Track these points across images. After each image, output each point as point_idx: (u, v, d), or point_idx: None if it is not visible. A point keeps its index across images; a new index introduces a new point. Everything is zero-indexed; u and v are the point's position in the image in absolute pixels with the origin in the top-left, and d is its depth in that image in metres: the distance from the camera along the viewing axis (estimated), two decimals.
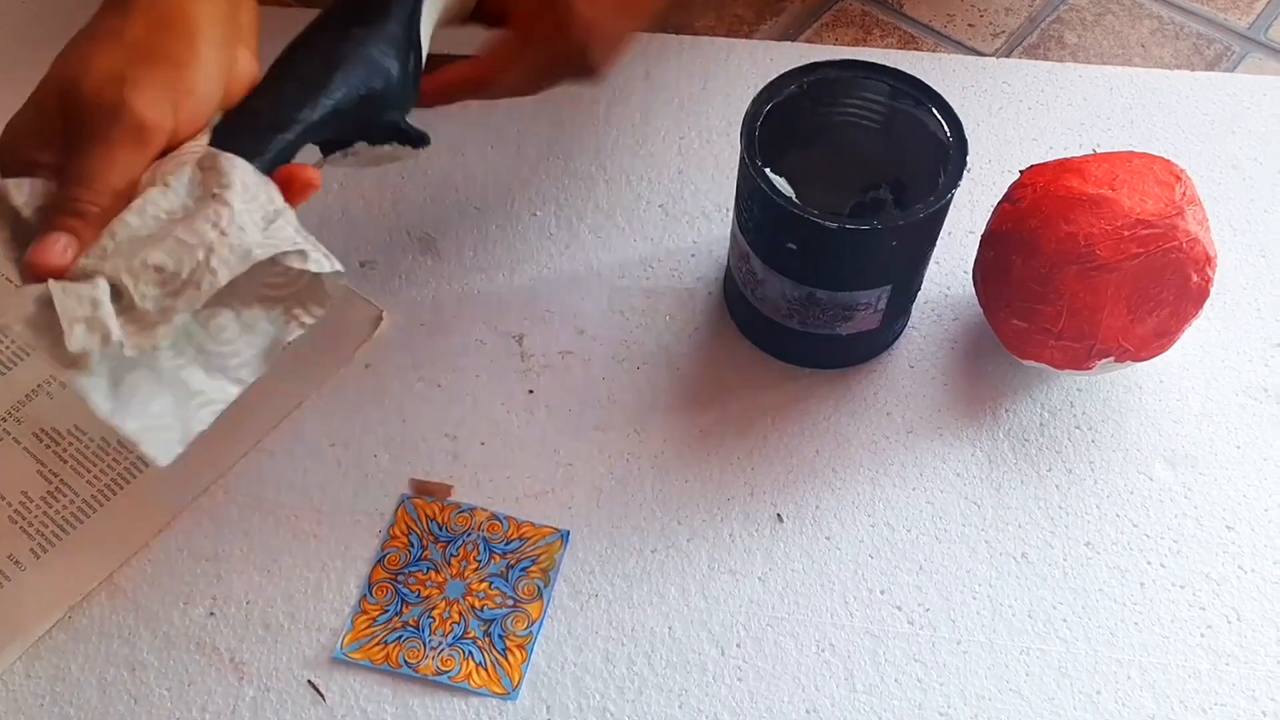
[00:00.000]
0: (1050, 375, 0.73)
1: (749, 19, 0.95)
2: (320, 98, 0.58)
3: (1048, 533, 0.68)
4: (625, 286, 0.78)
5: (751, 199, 0.66)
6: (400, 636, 0.64)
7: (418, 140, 0.64)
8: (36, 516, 0.67)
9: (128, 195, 0.52)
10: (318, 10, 0.62)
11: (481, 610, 0.65)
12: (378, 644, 0.64)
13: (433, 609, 0.65)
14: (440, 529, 0.67)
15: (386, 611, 0.65)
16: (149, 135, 0.52)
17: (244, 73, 0.57)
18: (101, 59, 0.52)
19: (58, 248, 0.50)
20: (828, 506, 0.69)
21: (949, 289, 0.78)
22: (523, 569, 0.66)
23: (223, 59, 0.55)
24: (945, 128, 0.66)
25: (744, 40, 0.93)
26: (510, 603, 0.65)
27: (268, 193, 0.54)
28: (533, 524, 0.68)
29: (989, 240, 0.70)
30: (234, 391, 0.57)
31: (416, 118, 0.65)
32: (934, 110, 0.67)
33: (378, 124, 0.62)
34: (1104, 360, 0.67)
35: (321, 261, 0.55)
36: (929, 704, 0.62)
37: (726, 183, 0.83)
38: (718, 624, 0.65)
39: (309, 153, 0.60)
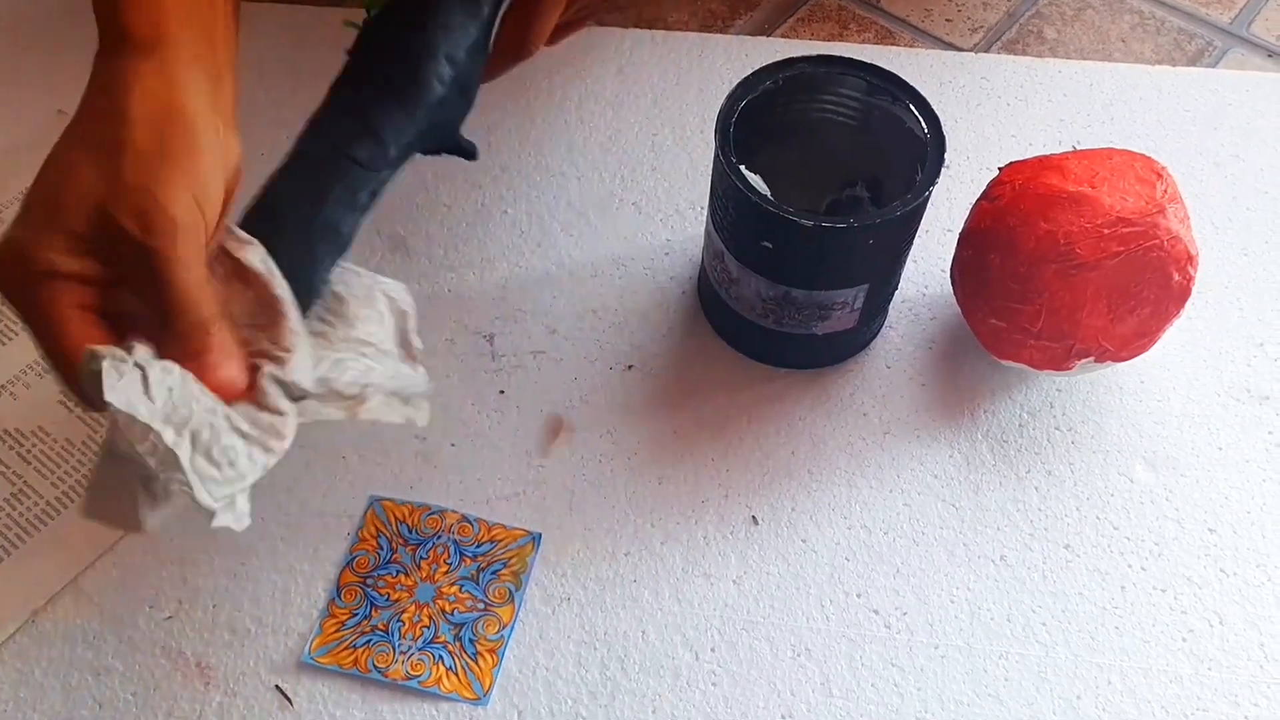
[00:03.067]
0: (1029, 376, 0.72)
1: (723, 14, 0.95)
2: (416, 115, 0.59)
3: (1027, 535, 0.67)
4: (598, 286, 0.77)
5: (726, 197, 0.65)
6: (369, 640, 0.63)
7: (470, 152, 0.64)
8: (0, 519, 0.66)
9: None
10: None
11: (452, 614, 0.64)
12: (346, 648, 0.63)
13: (402, 613, 0.64)
14: (410, 531, 0.67)
15: (355, 615, 0.64)
16: (194, 234, 0.50)
17: (234, 154, 0.54)
18: (126, 174, 0.49)
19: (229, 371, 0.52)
20: (803, 509, 0.68)
21: (927, 288, 0.77)
22: (494, 572, 0.65)
23: (220, 145, 0.53)
24: (923, 124, 0.66)
25: (718, 35, 0.93)
26: (481, 606, 0.64)
27: None
28: (504, 526, 0.67)
29: (967, 239, 0.69)
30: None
31: None
32: (911, 107, 0.67)
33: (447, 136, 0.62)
34: (1084, 360, 0.66)
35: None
36: (906, 709, 0.62)
37: (701, 180, 0.82)
38: (692, 628, 0.64)
39: None
